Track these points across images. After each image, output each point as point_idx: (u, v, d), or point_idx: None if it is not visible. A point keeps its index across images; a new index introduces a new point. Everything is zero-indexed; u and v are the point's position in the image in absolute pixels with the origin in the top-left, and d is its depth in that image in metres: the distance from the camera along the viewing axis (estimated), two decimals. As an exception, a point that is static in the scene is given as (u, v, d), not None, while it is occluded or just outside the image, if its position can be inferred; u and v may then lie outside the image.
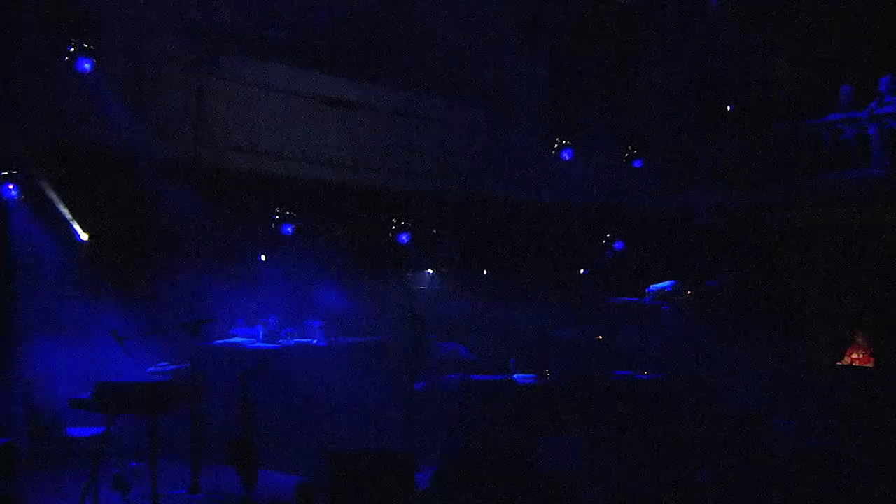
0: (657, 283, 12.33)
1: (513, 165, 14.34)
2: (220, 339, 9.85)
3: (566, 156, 13.44)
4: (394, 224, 11.94)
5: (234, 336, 10.02)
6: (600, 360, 10.96)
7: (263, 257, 11.41)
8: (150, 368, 9.02)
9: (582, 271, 13.79)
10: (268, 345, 9.71)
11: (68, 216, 9.74)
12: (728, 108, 15.38)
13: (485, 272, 13.75)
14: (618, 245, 13.43)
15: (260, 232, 11.12)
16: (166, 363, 9.17)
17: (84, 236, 9.87)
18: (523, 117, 14.49)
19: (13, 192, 9.15)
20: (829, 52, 14.58)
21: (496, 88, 14.35)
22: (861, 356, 11.48)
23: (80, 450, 7.89)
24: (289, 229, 11.05)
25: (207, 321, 8.63)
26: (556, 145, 13.43)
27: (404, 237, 11.93)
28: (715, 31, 15.07)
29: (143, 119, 10.59)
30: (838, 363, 11.56)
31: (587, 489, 7.35)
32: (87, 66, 9.45)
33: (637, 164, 13.80)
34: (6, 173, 9.09)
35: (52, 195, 9.66)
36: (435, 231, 12.62)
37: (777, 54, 15.48)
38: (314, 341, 10.04)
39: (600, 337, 11.58)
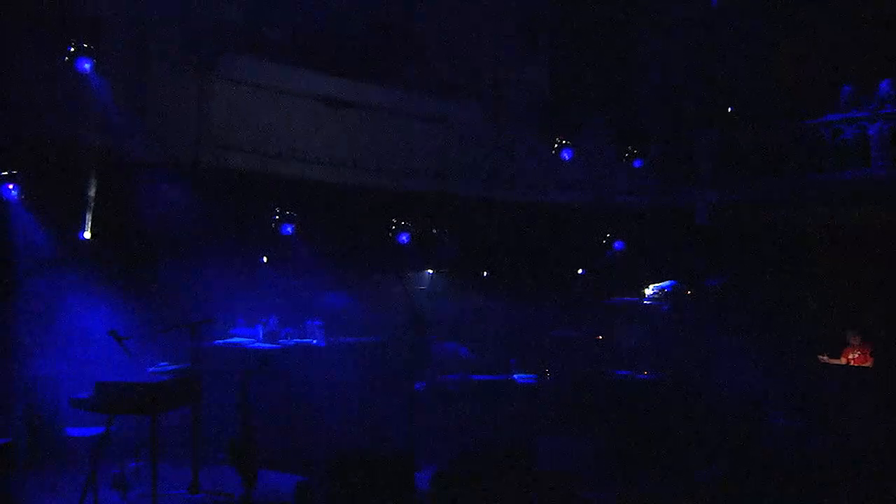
0: (657, 283, 12.33)
1: (512, 165, 14.35)
2: (220, 339, 9.85)
3: (566, 156, 13.44)
4: (394, 224, 11.93)
5: (234, 336, 10.01)
6: (600, 360, 10.98)
7: (264, 258, 11.41)
8: (150, 368, 9.02)
9: (581, 271, 13.78)
10: (268, 345, 9.70)
11: (89, 212, 9.74)
12: (728, 108, 15.38)
13: (485, 272, 13.74)
14: (618, 245, 13.43)
15: (260, 232, 11.12)
16: (166, 363, 9.16)
17: (87, 234, 9.88)
18: (523, 117, 14.50)
19: (13, 192, 9.15)
20: (829, 52, 14.57)
21: (496, 88, 14.35)
22: (857, 356, 11.47)
23: (80, 450, 7.89)
24: (289, 229, 11.04)
25: (207, 321, 8.63)
26: (556, 145, 13.43)
27: (404, 237, 11.93)
28: (715, 30, 15.07)
29: (143, 119, 10.61)
30: (835, 362, 11.56)
31: (587, 489, 7.36)
32: (87, 66, 9.45)
33: (637, 163, 13.79)
34: (6, 173, 9.08)
35: (91, 191, 9.66)
36: (435, 231, 12.61)
37: (777, 54, 15.47)
38: (314, 341, 10.04)
39: (600, 337, 11.59)
